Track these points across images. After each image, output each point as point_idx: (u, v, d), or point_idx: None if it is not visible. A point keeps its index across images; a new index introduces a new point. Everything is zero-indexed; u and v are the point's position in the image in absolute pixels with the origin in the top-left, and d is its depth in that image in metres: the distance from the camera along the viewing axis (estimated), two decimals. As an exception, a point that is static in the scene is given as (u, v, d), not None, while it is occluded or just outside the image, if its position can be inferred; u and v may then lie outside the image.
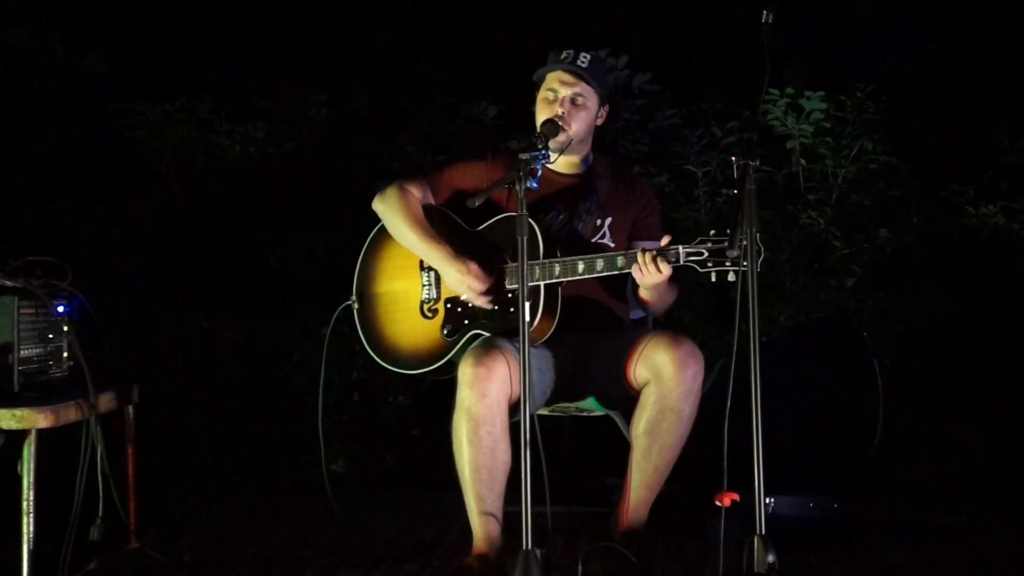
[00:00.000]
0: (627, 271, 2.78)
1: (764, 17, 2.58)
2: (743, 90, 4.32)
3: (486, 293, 2.90)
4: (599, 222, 3.04)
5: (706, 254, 2.67)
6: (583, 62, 2.98)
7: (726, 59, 5.35)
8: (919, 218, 4.42)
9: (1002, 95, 4.92)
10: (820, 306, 4.26)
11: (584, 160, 3.12)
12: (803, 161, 4.41)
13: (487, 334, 2.90)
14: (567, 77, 2.99)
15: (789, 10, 2.71)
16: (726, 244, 2.61)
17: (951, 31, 5.51)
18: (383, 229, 3.14)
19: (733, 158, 2.54)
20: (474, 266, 2.91)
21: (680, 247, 2.71)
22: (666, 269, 2.72)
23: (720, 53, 5.59)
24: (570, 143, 2.98)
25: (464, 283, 2.91)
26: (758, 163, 2.53)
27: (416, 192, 3.08)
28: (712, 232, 2.68)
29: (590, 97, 3.00)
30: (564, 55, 3.00)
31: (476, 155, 3.20)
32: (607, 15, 5.83)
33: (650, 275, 2.73)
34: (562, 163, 3.05)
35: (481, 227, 3.02)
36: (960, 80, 5.27)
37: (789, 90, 4.33)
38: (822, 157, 4.43)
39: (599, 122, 3.07)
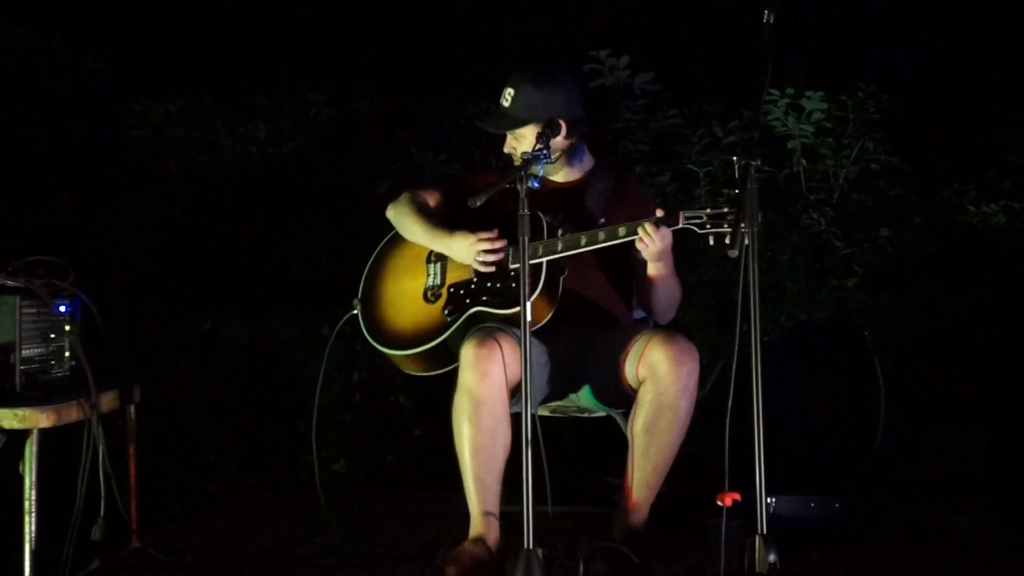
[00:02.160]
0: (630, 237, 2.78)
1: (765, 17, 2.58)
2: (744, 90, 4.33)
3: (495, 253, 2.90)
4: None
5: (705, 218, 2.69)
6: (505, 101, 3.01)
7: (727, 59, 5.35)
8: (920, 218, 4.41)
9: (1004, 94, 4.92)
10: (821, 306, 4.26)
11: (582, 167, 3.13)
12: (804, 161, 4.41)
13: (489, 310, 2.90)
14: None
15: (790, 10, 2.71)
16: (725, 210, 2.64)
17: (952, 30, 5.51)
18: (387, 242, 3.20)
19: (734, 158, 2.54)
20: (481, 232, 2.93)
21: (680, 213, 2.73)
22: (666, 234, 2.74)
23: (721, 53, 5.60)
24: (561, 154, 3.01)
25: (474, 248, 2.91)
26: (759, 163, 2.53)
27: (430, 199, 3.14)
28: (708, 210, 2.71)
29: (526, 131, 2.99)
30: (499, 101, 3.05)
31: (483, 167, 3.23)
32: (608, 15, 5.83)
33: (653, 243, 2.74)
34: (558, 173, 3.09)
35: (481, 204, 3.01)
36: (961, 79, 5.27)
37: (790, 90, 4.33)
38: (823, 157, 4.43)
39: (563, 141, 3.01)
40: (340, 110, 4.88)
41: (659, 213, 2.77)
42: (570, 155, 3.08)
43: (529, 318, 2.55)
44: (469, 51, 5.67)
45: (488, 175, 3.16)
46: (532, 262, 2.82)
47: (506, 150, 3.08)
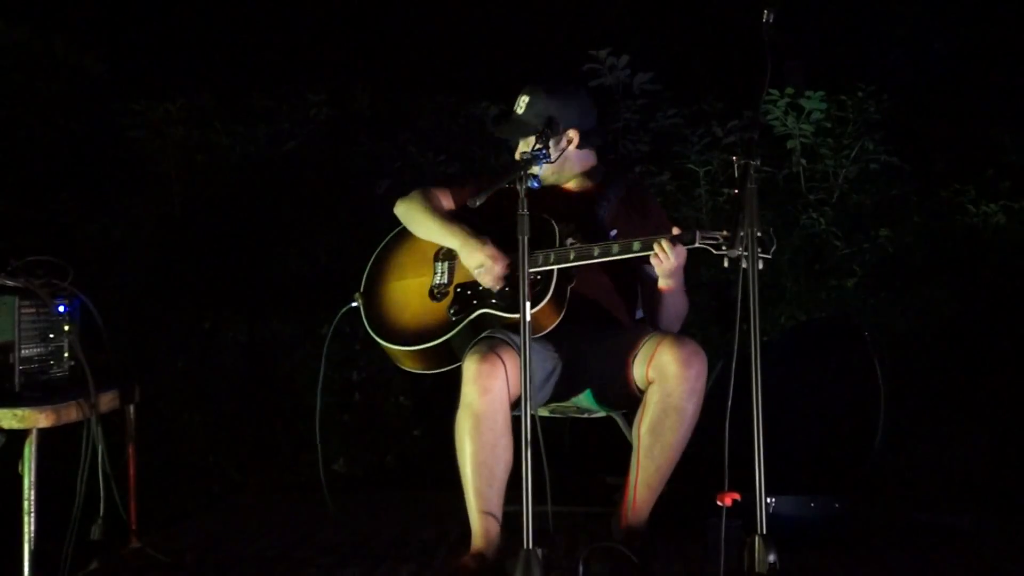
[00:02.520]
0: (644, 253, 2.78)
1: (765, 17, 2.58)
2: (744, 90, 4.33)
3: (500, 270, 2.90)
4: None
5: (720, 239, 2.69)
6: (519, 108, 3.03)
7: (727, 59, 5.35)
8: (920, 217, 4.42)
9: (1003, 93, 4.93)
10: (821, 306, 4.26)
11: (592, 175, 3.12)
12: (804, 161, 4.41)
13: (496, 313, 2.90)
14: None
15: (790, 10, 2.71)
16: (741, 234, 2.61)
17: (952, 30, 5.51)
18: (392, 239, 3.19)
19: (734, 157, 2.54)
20: (491, 245, 2.92)
21: (696, 232, 2.72)
22: (681, 252, 2.75)
23: (721, 53, 5.60)
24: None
25: (479, 257, 2.90)
26: (759, 163, 2.53)
27: (441, 197, 3.14)
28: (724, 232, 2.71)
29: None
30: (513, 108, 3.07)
31: (483, 167, 3.22)
32: (607, 15, 5.83)
33: (667, 260, 2.74)
34: (570, 181, 3.09)
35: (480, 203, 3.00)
36: (961, 79, 5.28)
37: (789, 90, 4.33)
38: (823, 157, 4.43)
39: (569, 147, 3.02)
40: (339, 110, 4.88)
41: (675, 231, 2.77)
42: (585, 168, 3.09)
43: (529, 318, 2.55)
44: (469, 51, 5.67)
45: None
46: (543, 269, 2.83)
47: (517, 157, 3.04)
